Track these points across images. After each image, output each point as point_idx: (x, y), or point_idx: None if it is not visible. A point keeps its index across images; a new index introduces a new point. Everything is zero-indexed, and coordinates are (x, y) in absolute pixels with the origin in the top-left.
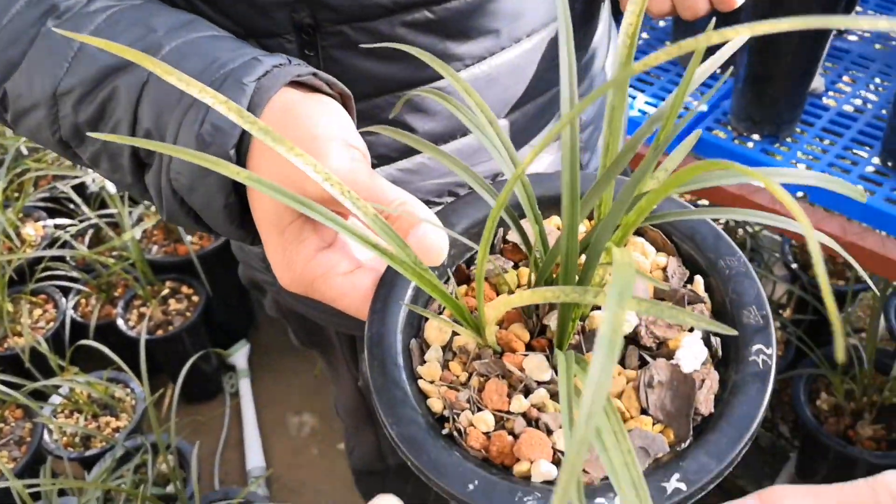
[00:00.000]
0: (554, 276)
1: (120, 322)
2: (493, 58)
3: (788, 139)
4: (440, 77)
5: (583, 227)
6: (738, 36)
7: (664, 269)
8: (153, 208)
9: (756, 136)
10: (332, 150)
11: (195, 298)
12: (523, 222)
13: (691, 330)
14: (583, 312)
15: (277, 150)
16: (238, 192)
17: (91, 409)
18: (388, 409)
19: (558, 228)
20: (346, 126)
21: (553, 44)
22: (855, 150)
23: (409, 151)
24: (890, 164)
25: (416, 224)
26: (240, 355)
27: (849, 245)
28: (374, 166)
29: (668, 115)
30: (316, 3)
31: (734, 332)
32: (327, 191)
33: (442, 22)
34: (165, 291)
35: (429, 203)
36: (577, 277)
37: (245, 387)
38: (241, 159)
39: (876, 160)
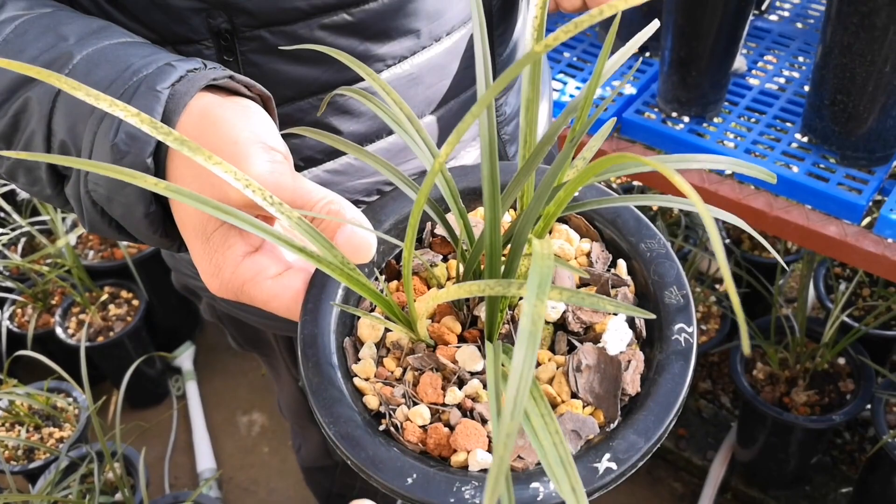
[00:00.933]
0: (481, 267)
1: (59, 330)
2: (414, 57)
3: (715, 119)
4: (362, 78)
5: (508, 217)
6: (626, 5)
7: (588, 255)
8: None
9: (684, 118)
10: (253, 154)
11: (135, 303)
12: (449, 216)
13: (616, 313)
14: (510, 302)
15: (196, 159)
16: (159, 201)
17: (33, 420)
18: (325, 409)
19: (482, 219)
20: (267, 128)
21: (473, 41)
22: (778, 127)
23: (336, 153)
24: (811, 139)
25: (343, 223)
26: (185, 357)
27: (775, 219)
28: (300, 169)
29: (582, 107)
30: (233, 7)
31: (652, 316)
32: (249, 197)
33: (361, 24)
34: (104, 297)
35: (358, 202)
36: (502, 269)
37: (192, 389)
38: (159, 167)
39: (798, 135)
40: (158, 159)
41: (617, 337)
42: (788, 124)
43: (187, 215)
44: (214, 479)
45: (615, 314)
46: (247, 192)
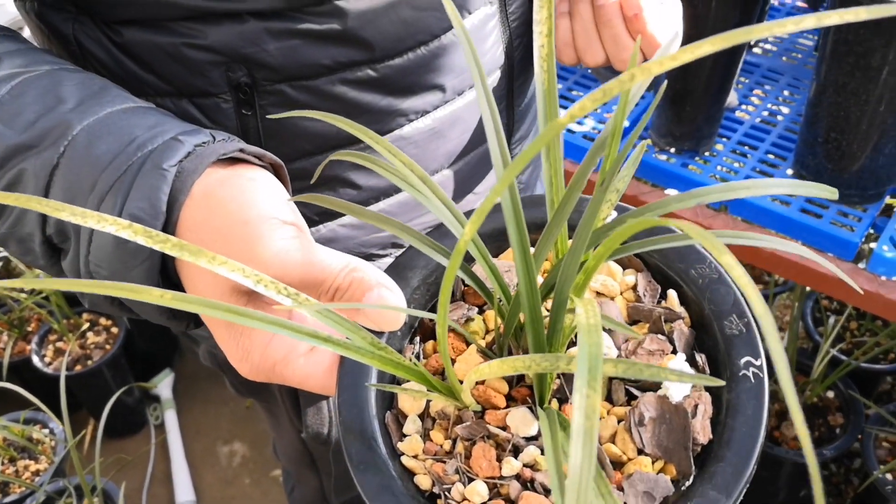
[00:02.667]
0: (521, 322)
1: (35, 359)
2: (437, 111)
3: (707, 153)
4: (385, 132)
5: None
6: (661, 70)
7: (634, 288)
8: None
9: (676, 151)
10: (266, 233)
11: (114, 330)
12: (476, 267)
13: (674, 352)
14: None
15: (199, 263)
16: (168, 281)
17: (7, 453)
18: (376, 497)
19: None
20: (278, 202)
21: (495, 91)
22: (770, 162)
23: (364, 204)
24: (803, 174)
25: (369, 289)
26: (164, 385)
27: (770, 255)
28: (315, 223)
29: (611, 143)
30: (253, 62)
31: (721, 383)
32: (263, 293)
33: (385, 79)
34: (83, 325)
35: (372, 256)
36: (545, 331)
37: (171, 418)
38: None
39: (790, 171)
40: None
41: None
42: (780, 159)
43: (205, 297)
44: None
45: (673, 352)
46: (258, 287)
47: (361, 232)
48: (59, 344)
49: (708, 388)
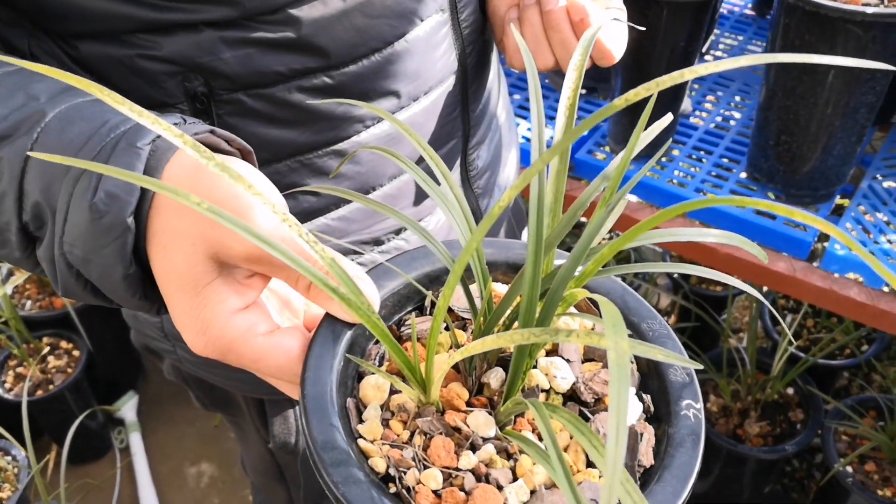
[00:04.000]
0: (500, 327)
1: None
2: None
3: (664, 159)
4: (342, 139)
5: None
6: (690, 77)
7: (592, 330)
8: None
9: (634, 158)
10: (257, 206)
11: (76, 353)
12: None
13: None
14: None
15: (237, 185)
16: (139, 261)
17: None
18: (334, 470)
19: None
20: (262, 181)
21: (450, 97)
22: (724, 167)
23: (312, 214)
24: (757, 177)
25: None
26: (128, 408)
27: (726, 256)
28: None
29: (616, 175)
30: (209, 71)
31: (699, 366)
32: (284, 233)
33: (341, 86)
34: (44, 349)
35: (347, 254)
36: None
37: (136, 441)
38: (140, 226)
39: (744, 174)
40: (139, 218)
41: (629, 409)
42: (734, 163)
43: (175, 269)
44: None
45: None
46: (283, 226)
47: (336, 234)
48: (20, 369)
49: (650, 422)
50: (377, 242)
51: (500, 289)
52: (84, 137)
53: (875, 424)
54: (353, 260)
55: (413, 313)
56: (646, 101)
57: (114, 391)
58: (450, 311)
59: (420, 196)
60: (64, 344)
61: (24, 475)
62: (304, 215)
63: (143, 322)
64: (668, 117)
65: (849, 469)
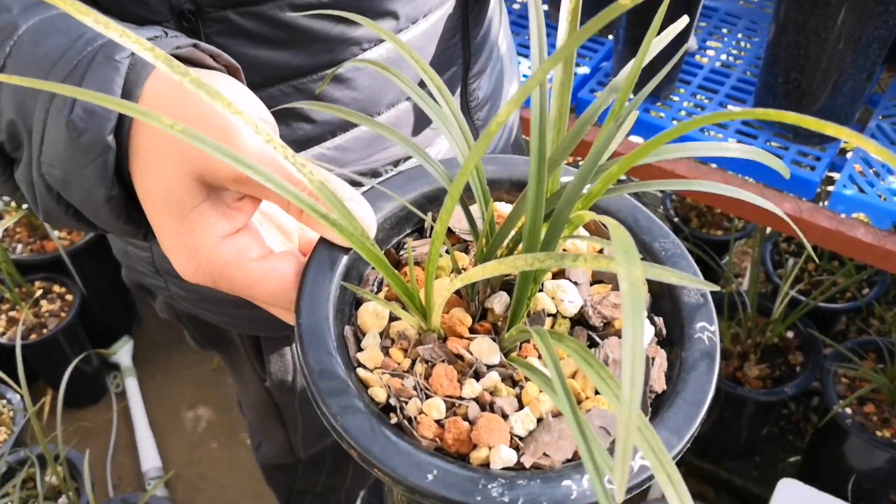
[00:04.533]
0: (503, 250)
1: None
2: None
3: (669, 98)
4: (337, 62)
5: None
6: None
7: (600, 252)
8: (13, 203)
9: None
10: (243, 125)
11: (69, 297)
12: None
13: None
14: (531, 292)
15: (214, 105)
16: (123, 183)
17: None
18: (331, 400)
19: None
20: (250, 97)
21: (450, 21)
22: (730, 105)
23: (307, 142)
24: None
25: (340, 202)
26: (123, 353)
27: (730, 197)
28: None
29: (625, 87)
30: None
31: (716, 287)
32: (270, 154)
33: (335, 5)
34: (37, 293)
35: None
36: (539, 245)
37: (132, 386)
38: (121, 144)
39: None
40: (121, 135)
41: None
42: (740, 102)
43: (159, 193)
44: (163, 480)
45: None
46: (267, 147)
47: (331, 164)
48: (12, 313)
49: (663, 346)
50: (374, 174)
51: (503, 208)
52: (59, 51)
53: (875, 367)
54: None
55: (412, 236)
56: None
57: (108, 336)
58: (451, 232)
59: (420, 125)
60: (57, 288)
61: (19, 418)
62: (298, 144)
63: (134, 258)
64: (684, 20)
65: (847, 411)
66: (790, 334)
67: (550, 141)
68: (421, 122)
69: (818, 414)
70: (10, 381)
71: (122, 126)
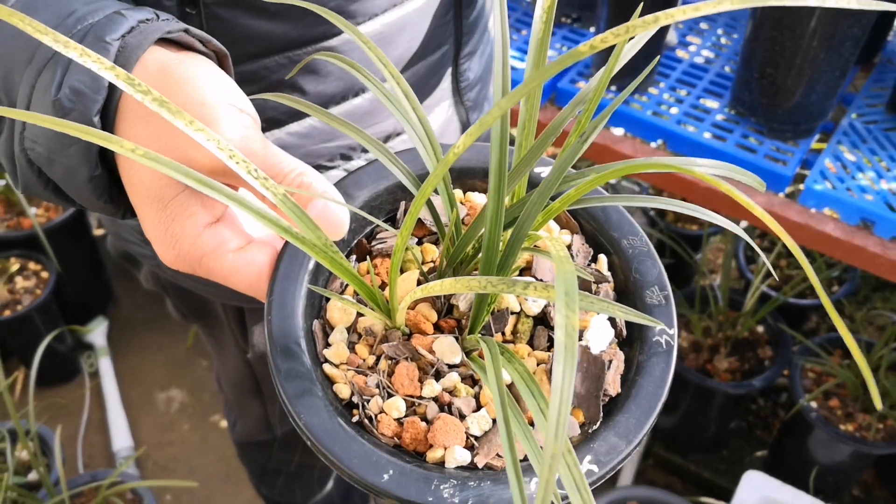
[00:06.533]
0: (467, 254)
1: None
2: (385, 15)
3: (648, 90)
4: (332, 35)
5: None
6: (665, 21)
7: (569, 247)
8: None
9: (617, 89)
10: (223, 117)
11: (44, 275)
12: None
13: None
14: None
15: (175, 123)
16: (106, 163)
17: None
18: (297, 398)
19: (462, 203)
20: (232, 89)
21: (443, 2)
22: (707, 100)
23: (300, 114)
24: (739, 110)
25: (315, 197)
26: (97, 333)
27: (705, 190)
28: (263, 130)
29: (592, 99)
30: None
31: (660, 324)
32: (233, 169)
33: None
34: (12, 269)
35: (321, 167)
36: (497, 260)
37: (105, 365)
38: (106, 126)
39: (727, 108)
40: (106, 117)
41: (600, 335)
42: (717, 97)
43: (141, 181)
44: (133, 458)
45: (598, 312)
46: (230, 162)
47: (308, 141)
48: None
49: (622, 348)
50: (364, 150)
51: (476, 199)
52: (49, 27)
53: (841, 362)
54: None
55: (386, 223)
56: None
57: (83, 315)
58: (420, 224)
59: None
60: (32, 265)
61: None
62: (290, 116)
63: (121, 226)
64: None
65: (813, 405)
66: (760, 329)
67: (514, 153)
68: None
69: (786, 409)
70: None
71: (109, 107)
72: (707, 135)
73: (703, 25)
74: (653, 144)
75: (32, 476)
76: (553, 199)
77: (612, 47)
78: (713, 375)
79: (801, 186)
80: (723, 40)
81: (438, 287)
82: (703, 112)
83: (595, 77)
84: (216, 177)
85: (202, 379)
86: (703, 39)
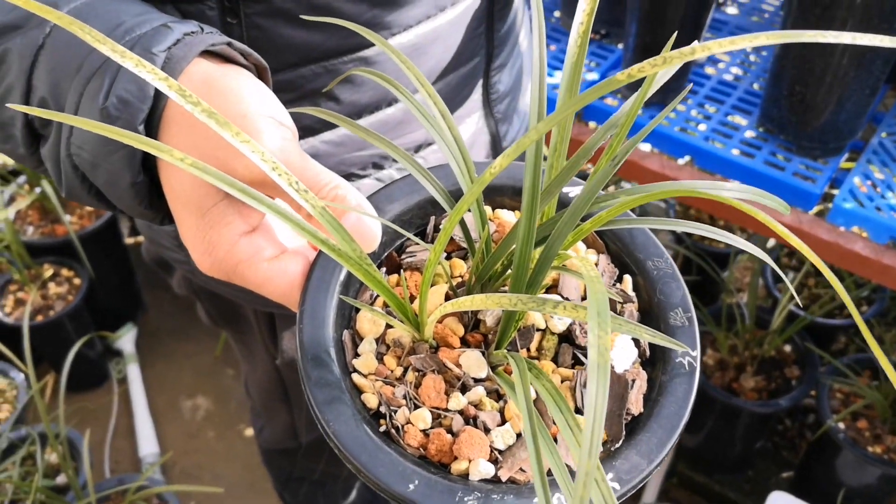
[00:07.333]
0: (496, 269)
1: None
2: (419, 26)
3: (676, 107)
4: (367, 45)
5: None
6: (701, 54)
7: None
8: (26, 186)
9: (645, 104)
10: (264, 129)
11: (77, 281)
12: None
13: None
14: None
15: (222, 134)
16: (147, 170)
17: None
18: (326, 406)
19: (491, 219)
20: (273, 102)
21: (475, 14)
22: (736, 117)
23: (330, 125)
24: (768, 127)
25: (348, 210)
26: (126, 340)
27: (730, 208)
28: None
29: (624, 123)
30: None
31: (684, 347)
32: (274, 180)
33: None
34: (45, 275)
35: (352, 176)
36: (526, 280)
37: (133, 372)
38: (151, 135)
39: (754, 127)
40: (150, 126)
41: (624, 354)
42: (746, 114)
43: (182, 188)
44: (160, 463)
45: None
46: (273, 174)
47: (342, 149)
48: (20, 294)
49: (645, 368)
50: (377, 167)
51: (505, 216)
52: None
53: (870, 383)
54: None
55: (417, 237)
56: (659, 47)
57: (113, 322)
58: (450, 239)
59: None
60: (65, 271)
61: (22, 396)
62: (323, 123)
63: (157, 231)
64: (694, 46)
65: (841, 426)
66: (788, 348)
67: (546, 172)
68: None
69: (813, 431)
70: (17, 360)
71: (153, 116)
72: (735, 151)
73: None
74: (680, 161)
75: (61, 479)
76: (583, 219)
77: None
78: (739, 394)
79: (830, 205)
80: (752, 57)
81: (469, 303)
82: (732, 129)
83: (627, 102)
84: (255, 187)
85: (228, 388)
86: (732, 56)
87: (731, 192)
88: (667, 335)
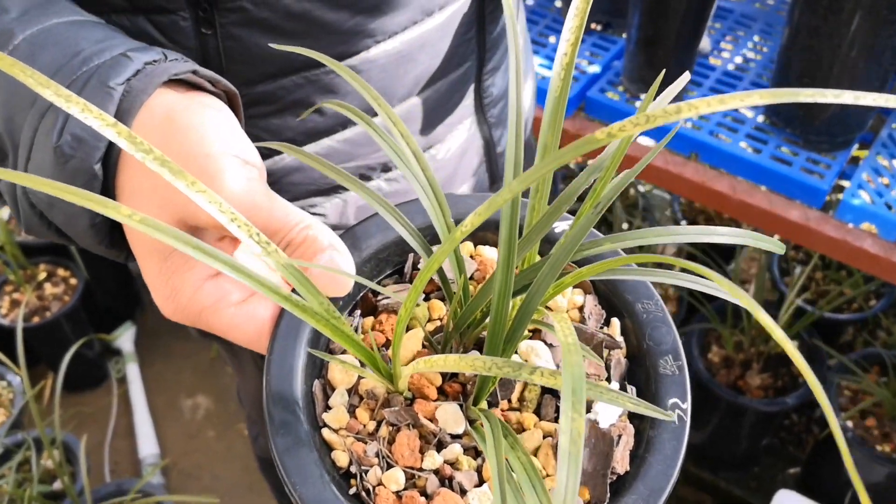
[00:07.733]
0: (476, 316)
1: None
2: (405, 33)
3: (680, 98)
4: (350, 54)
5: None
6: (687, 114)
7: (580, 309)
8: None
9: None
10: (227, 168)
11: (73, 281)
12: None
13: (608, 380)
14: None
15: (176, 185)
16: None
17: None
18: (293, 468)
19: (471, 257)
20: (239, 137)
21: (465, 18)
22: (741, 109)
23: (318, 135)
24: (775, 121)
25: (321, 250)
26: (125, 339)
27: (738, 203)
28: (281, 152)
29: (608, 167)
30: None
31: (672, 417)
32: (235, 234)
33: None
34: (40, 275)
35: (339, 189)
36: (504, 333)
37: (133, 371)
38: (108, 173)
39: (761, 118)
40: (107, 165)
41: (609, 408)
42: (752, 107)
43: (142, 232)
44: (160, 467)
45: (607, 380)
46: (231, 226)
47: (342, 157)
48: (16, 295)
49: (632, 420)
50: (385, 168)
51: (488, 254)
52: (54, 67)
53: (878, 380)
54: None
55: (392, 277)
56: (663, 38)
57: (111, 322)
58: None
59: (430, 122)
60: (61, 272)
61: (18, 400)
62: (308, 136)
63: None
64: (685, 78)
65: (849, 423)
66: (795, 344)
67: (526, 216)
68: (432, 117)
69: (820, 426)
70: (10, 363)
71: (110, 155)
72: (742, 145)
73: (739, 32)
74: (685, 155)
75: (57, 485)
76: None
77: (645, 61)
78: (745, 392)
79: (840, 195)
80: (759, 47)
81: (442, 362)
82: (738, 122)
83: (610, 147)
84: (219, 230)
85: (227, 387)
86: (737, 47)
87: (724, 237)
88: (656, 383)
